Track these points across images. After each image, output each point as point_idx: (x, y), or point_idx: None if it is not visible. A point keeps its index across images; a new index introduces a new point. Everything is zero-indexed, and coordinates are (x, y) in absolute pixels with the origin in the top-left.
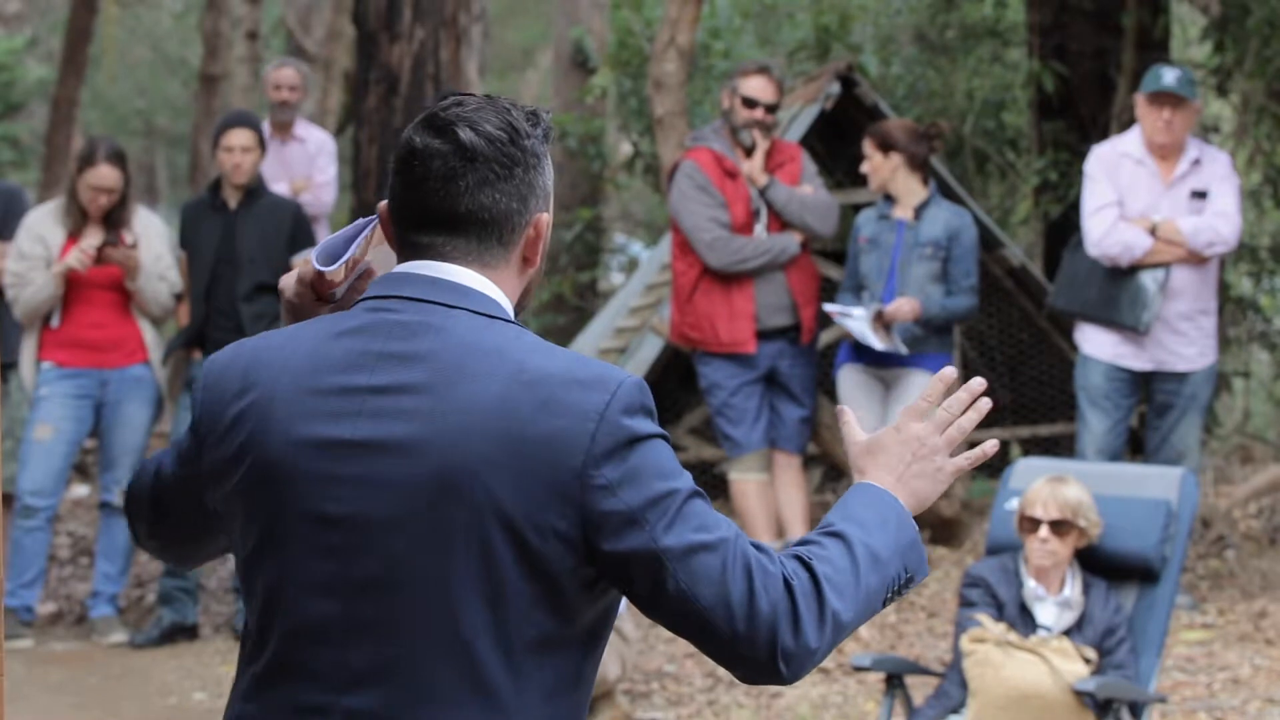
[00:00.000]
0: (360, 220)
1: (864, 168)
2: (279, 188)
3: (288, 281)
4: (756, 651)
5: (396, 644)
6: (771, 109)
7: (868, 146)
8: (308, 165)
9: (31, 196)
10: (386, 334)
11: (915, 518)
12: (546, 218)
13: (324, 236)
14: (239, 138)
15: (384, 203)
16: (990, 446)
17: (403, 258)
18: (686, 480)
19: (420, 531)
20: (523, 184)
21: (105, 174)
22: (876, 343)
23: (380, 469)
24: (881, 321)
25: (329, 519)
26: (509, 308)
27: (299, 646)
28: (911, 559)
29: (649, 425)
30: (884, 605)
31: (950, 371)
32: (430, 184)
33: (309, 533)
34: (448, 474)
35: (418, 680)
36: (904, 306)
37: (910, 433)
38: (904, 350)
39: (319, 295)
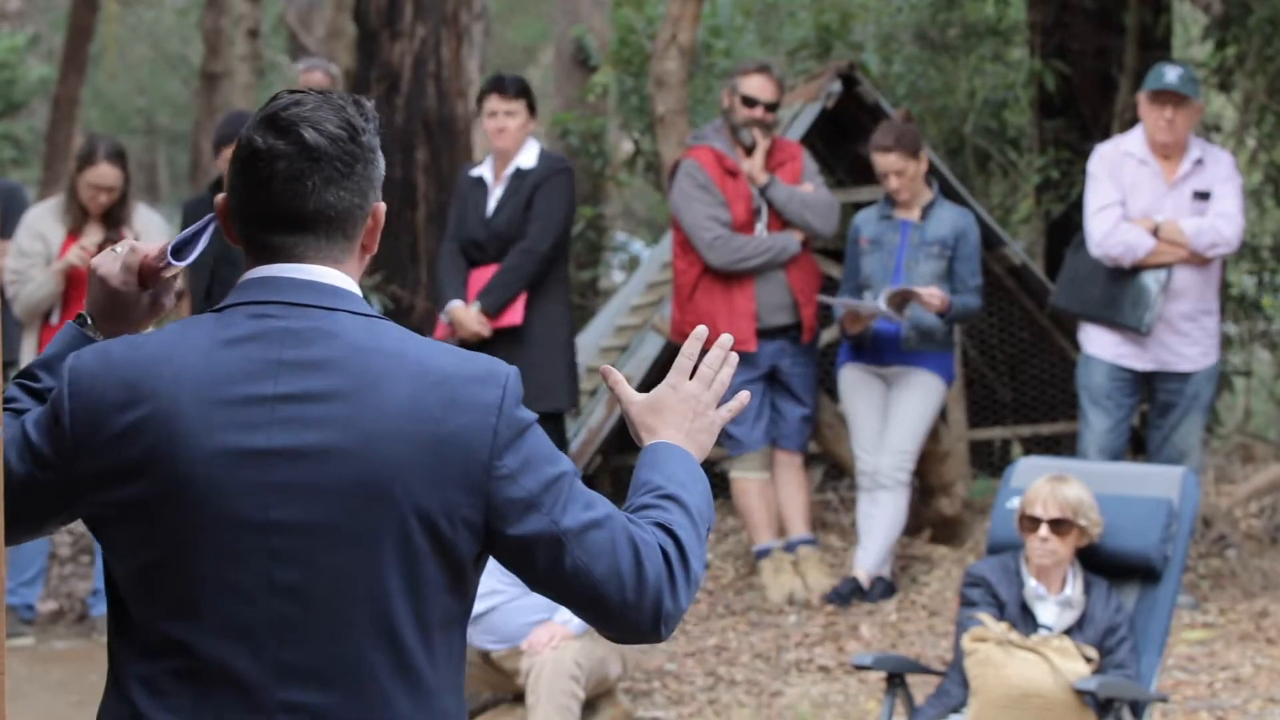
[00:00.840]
0: (208, 216)
1: (895, 183)
2: None
3: (108, 266)
4: (643, 617)
5: (327, 640)
6: (771, 108)
7: (898, 160)
8: None
9: (32, 194)
10: (280, 341)
11: (918, 518)
12: (383, 206)
13: None
14: None
15: (221, 196)
16: (745, 396)
17: (252, 258)
18: (567, 461)
19: (345, 533)
20: (363, 179)
21: (105, 173)
22: (883, 305)
23: (301, 476)
24: (898, 301)
25: (251, 525)
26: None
27: (224, 649)
28: (711, 510)
29: (530, 413)
30: None
31: (701, 331)
32: (276, 184)
33: (230, 540)
34: (370, 478)
35: (350, 673)
36: (938, 293)
37: (686, 390)
38: (906, 322)
39: (144, 282)
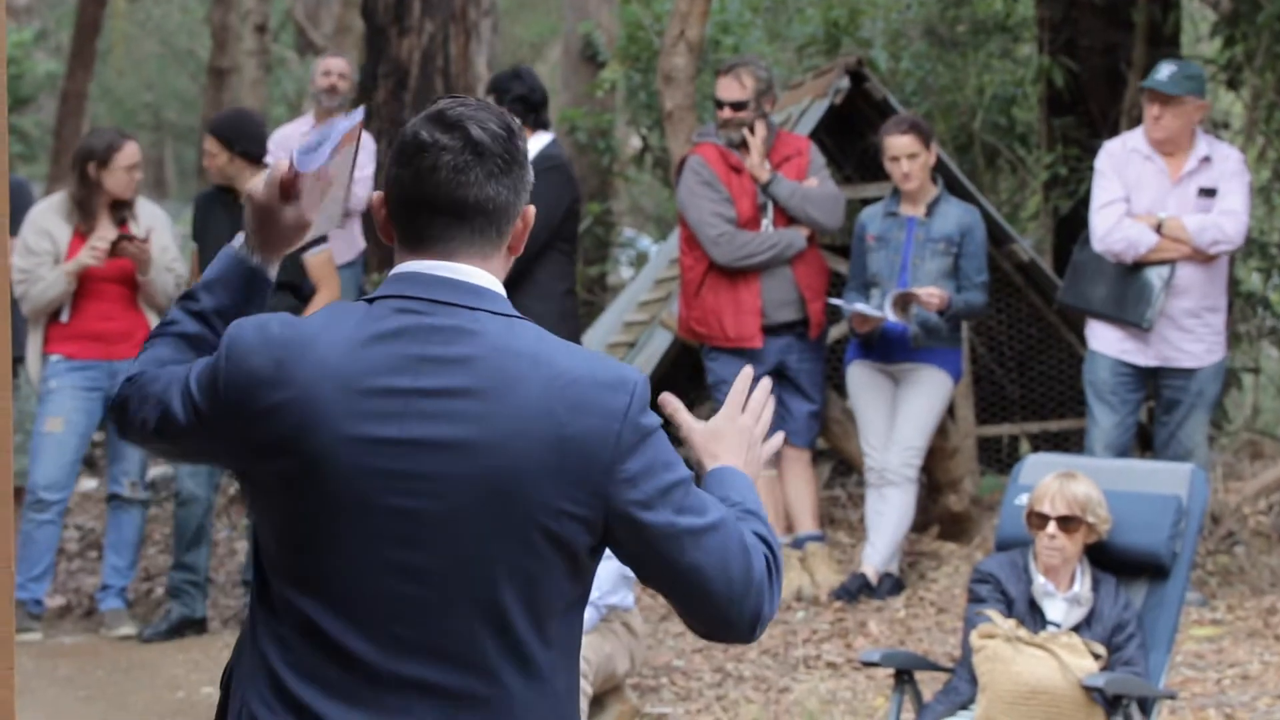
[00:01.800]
0: (334, 123)
1: (907, 167)
2: None
3: (257, 184)
4: (744, 617)
5: (440, 620)
6: (738, 106)
7: (913, 143)
8: None
9: (39, 190)
10: (424, 339)
11: (926, 514)
12: (533, 210)
13: (353, 233)
14: (208, 143)
15: (378, 193)
16: (779, 438)
17: (405, 249)
18: (684, 467)
19: (470, 522)
20: (519, 179)
21: (131, 151)
22: (890, 313)
23: (434, 466)
24: (901, 304)
25: (379, 510)
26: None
27: (342, 624)
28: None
29: (656, 419)
30: None
31: (748, 371)
32: (441, 174)
33: (358, 522)
34: (496, 473)
35: (460, 652)
36: (936, 291)
37: (742, 423)
38: (914, 327)
39: (285, 195)
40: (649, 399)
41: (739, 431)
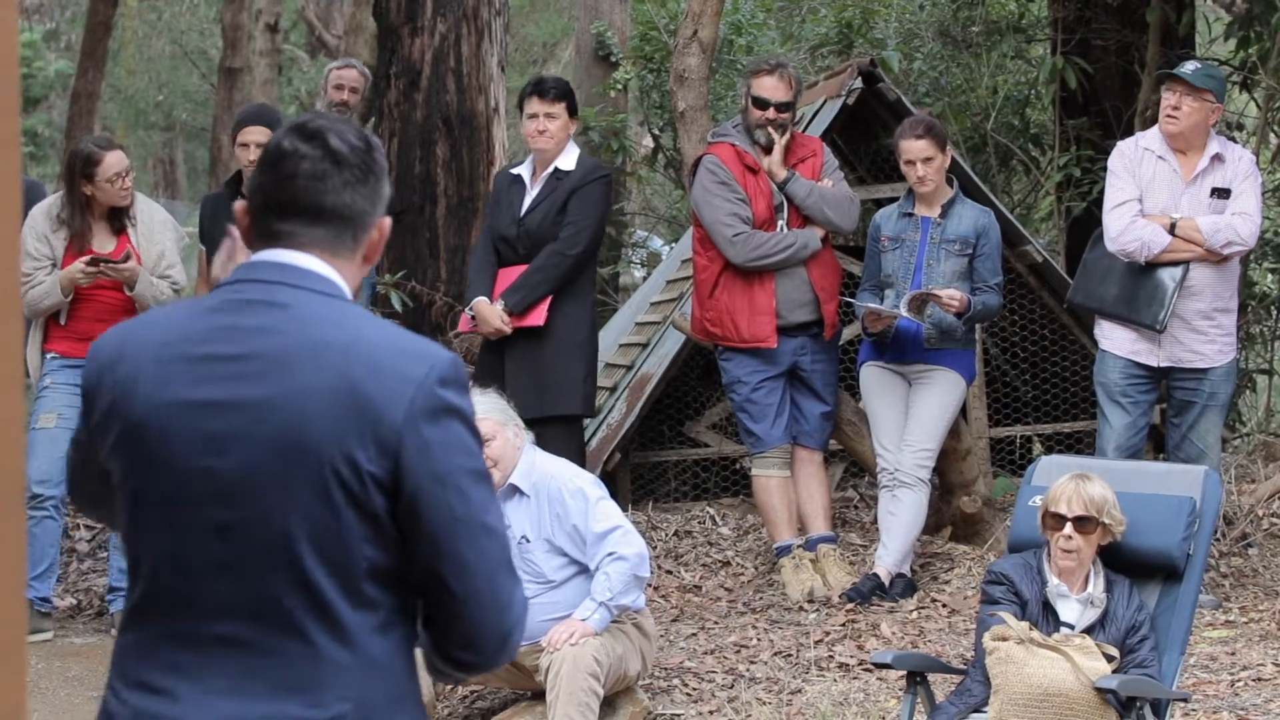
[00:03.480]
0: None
1: (922, 170)
2: None
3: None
4: (494, 634)
5: (256, 579)
6: (783, 108)
7: (928, 147)
8: None
9: (50, 190)
10: (239, 310)
11: (939, 516)
12: (388, 221)
13: None
14: (256, 134)
15: (240, 203)
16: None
17: (257, 246)
18: (482, 461)
19: (270, 479)
20: (374, 190)
21: (115, 159)
22: (904, 309)
23: (237, 425)
24: (917, 304)
25: (193, 471)
26: (347, 291)
27: (173, 582)
28: None
29: (461, 400)
30: None
31: None
32: (300, 180)
33: (174, 483)
34: (294, 428)
35: (271, 610)
36: (956, 294)
37: None
38: (927, 323)
39: None
40: (460, 382)
41: None
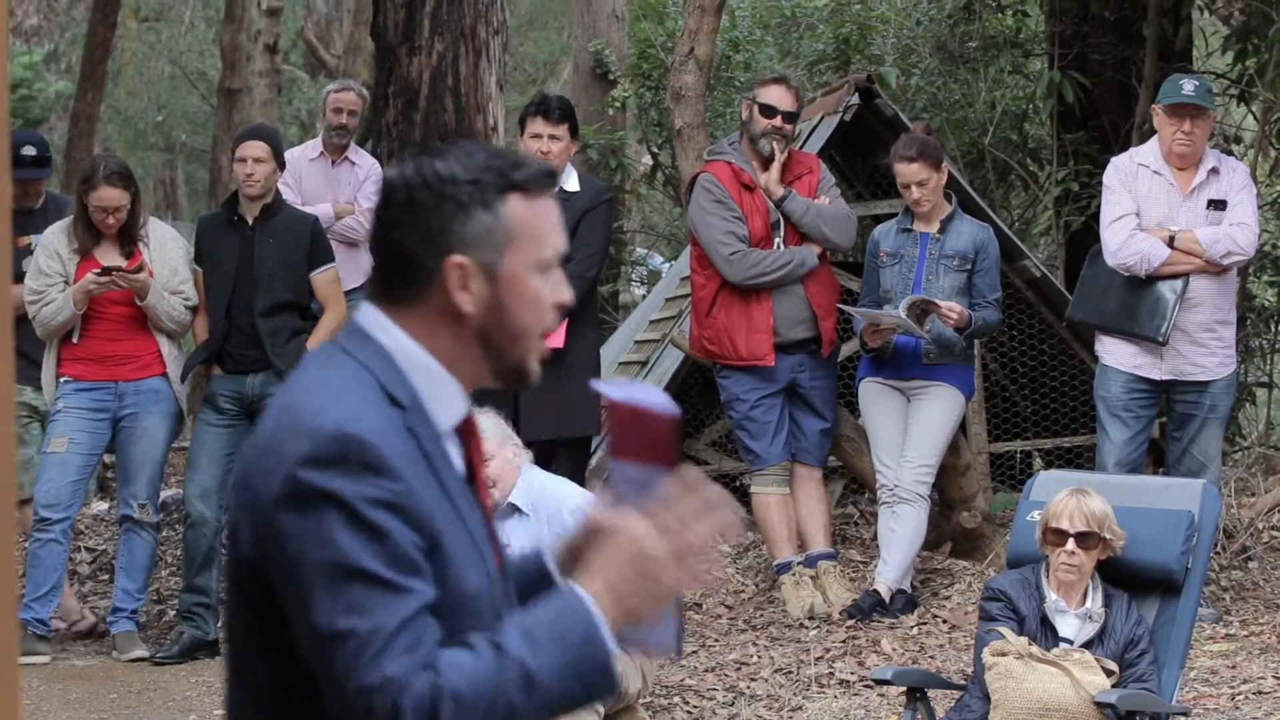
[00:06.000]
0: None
1: (917, 193)
2: (322, 208)
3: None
4: None
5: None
6: (790, 117)
7: (922, 170)
8: (355, 189)
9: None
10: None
11: (938, 531)
12: (461, 260)
13: (361, 259)
14: (253, 149)
15: None
16: (706, 573)
17: None
18: (354, 551)
19: (229, 588)
20: (430, 227)
21: (106, 195)
22: (903, 312)
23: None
24: (918, 311)
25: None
26: (409, 355)
27: None
28: (596, 681)
29: (335, 483)
30: None
31: (692, 476)
32: (374, 218)
33: None
34: (231, 521)
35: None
36: (956, 307)
37: (643, 548)
38: (925, 336)
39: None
40: (338, 455)
41: (623, 549)
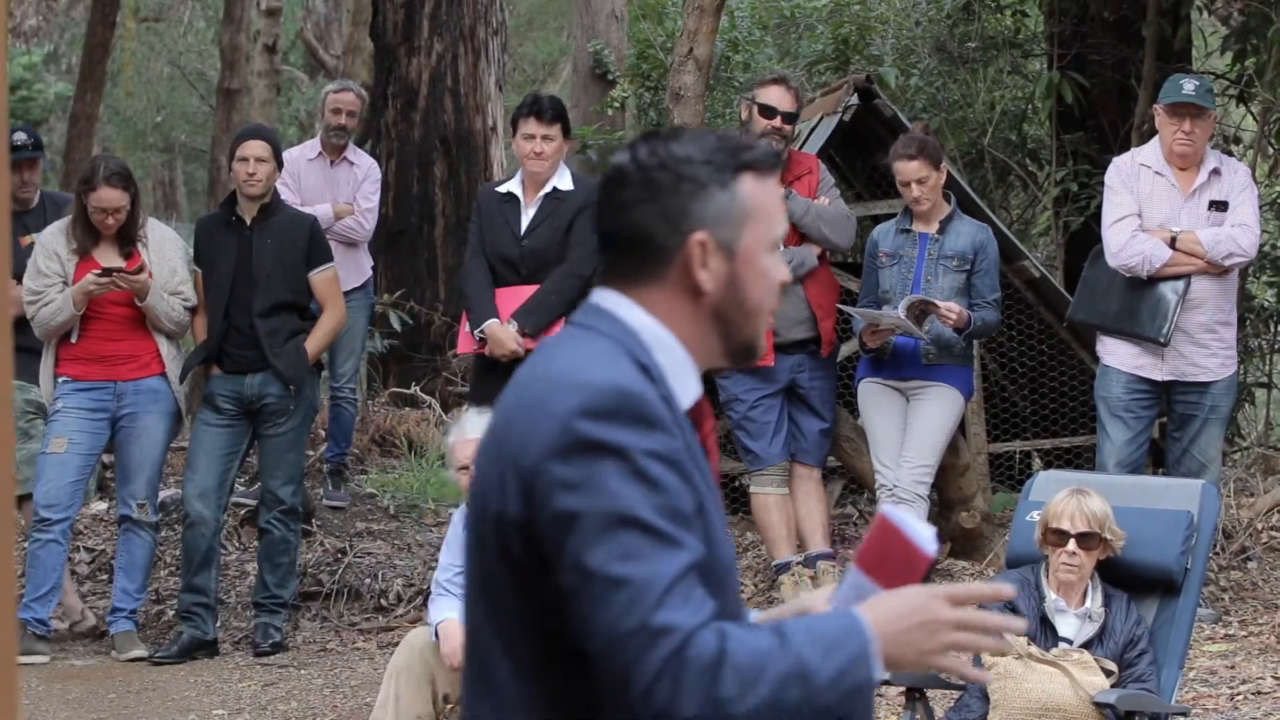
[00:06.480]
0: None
1: (917, 191)
2: (321, 208)
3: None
4: (631, 700)
5: (465, 646)
6: (789, 118)
7: (921, 168)
8: (353, 189)
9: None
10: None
11: (937, 531)
12: (702, 237)
13: (360, 260)
14: (253, 148)
15: None
16: (984, 676)
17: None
18: (631, 500)
19: (471, 534)
20: (670, 206)
21: (106, 196)
22: (902, 312)
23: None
24: (917, 311)
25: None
26: (650, 331)
27: None
28: (854, 702)
29: (613, 434)
30: None
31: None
32: (598, 204)
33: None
34: (476, 480)
35: (469, 678)
36: (955, 307)
37: (933, 604)
38: (925, 337)
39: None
40: (614, 408)
41: (916, 599)
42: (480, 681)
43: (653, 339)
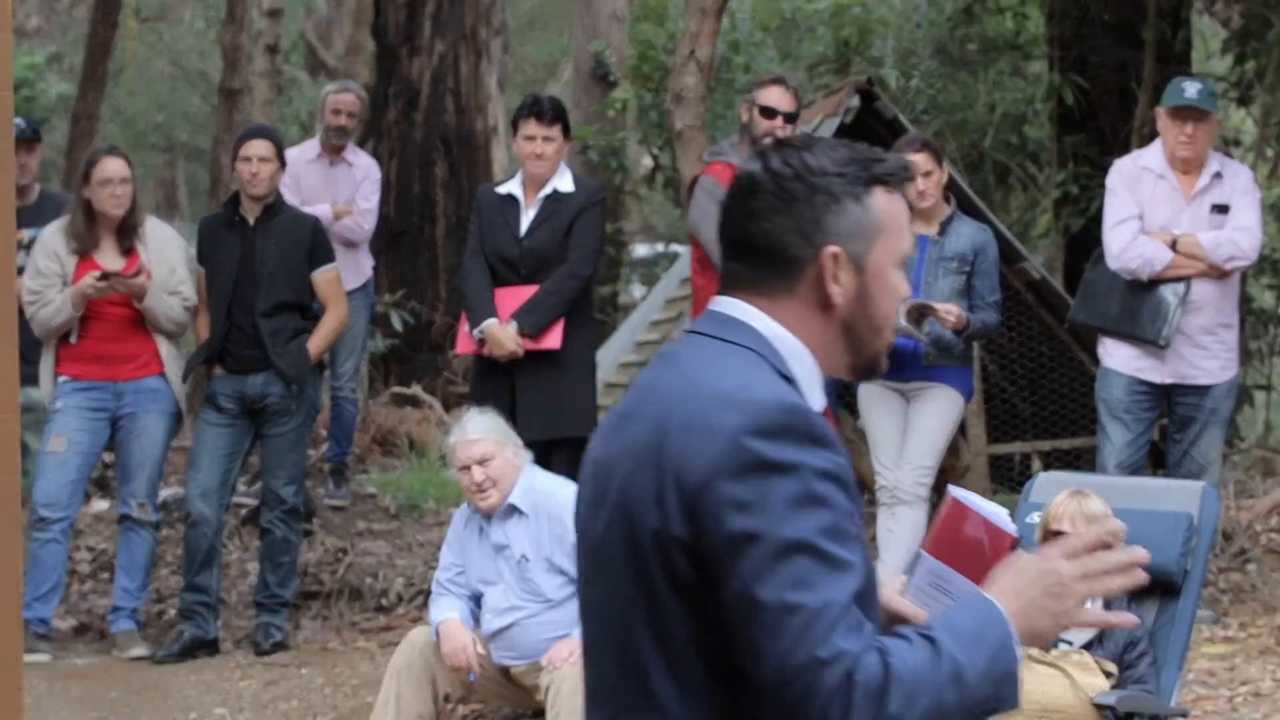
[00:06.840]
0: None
1: (922, 184)
2: (321, 208)
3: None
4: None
5: (603, 663)
6: (790, 118)
7: (927, 161)
8: (353, 189)
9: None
10: (653, 365)
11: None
12: (835, 250)
13: (360, 260)
14: (257, 148)
15: None
16: (1127, 619)
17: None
18: (803, 524)
19: (611, 547)
20: (804, 218)
21: (110, 165)
22: (902, 319)
23: (598, 491)
24: (916, 315)
25: (581, 544)
26: (785, 342)
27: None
28: (1005, 689)
29: (790, 457)
30: None
31: (1143, 555)
32: (726, 210)
33: (579, 557)
34: (618, 493)
35: (614, 698)
36: (954, 309)
37: (1052, 565)
38: (924, 339)
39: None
40: (785, 425)
41: (1042, 573)
42: (636, 700)
43: (789, 351)
